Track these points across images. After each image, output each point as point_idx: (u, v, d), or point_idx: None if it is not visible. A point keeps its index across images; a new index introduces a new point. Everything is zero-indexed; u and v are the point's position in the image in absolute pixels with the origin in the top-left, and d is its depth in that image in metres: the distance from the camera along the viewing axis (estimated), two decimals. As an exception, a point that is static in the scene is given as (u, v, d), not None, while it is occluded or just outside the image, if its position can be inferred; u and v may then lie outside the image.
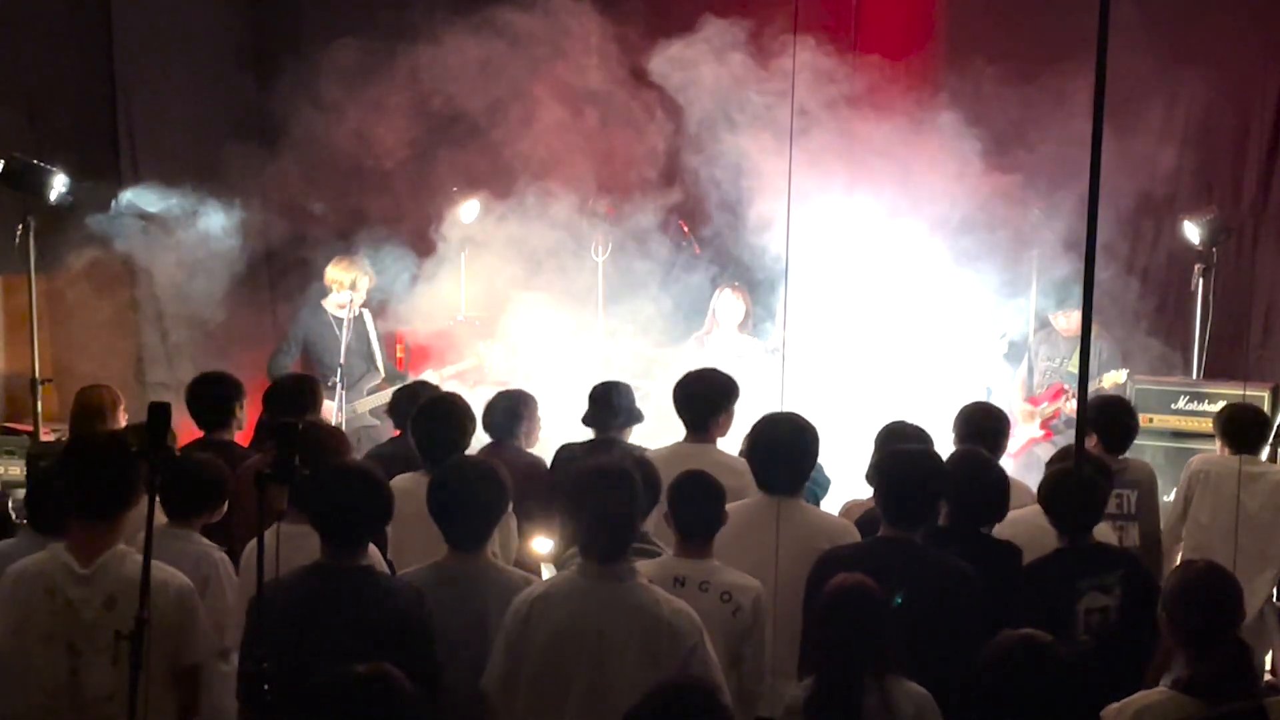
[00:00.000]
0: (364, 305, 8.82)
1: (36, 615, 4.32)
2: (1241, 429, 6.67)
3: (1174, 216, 9.35)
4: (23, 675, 4.19)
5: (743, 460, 5.65)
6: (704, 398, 5.99)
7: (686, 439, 5.98)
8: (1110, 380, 8.40)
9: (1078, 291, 8.39)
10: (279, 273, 9.72)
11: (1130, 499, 6.17)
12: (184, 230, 9.26)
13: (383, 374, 8.79)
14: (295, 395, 6.46)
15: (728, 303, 8.75)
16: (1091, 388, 8.42)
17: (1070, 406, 8.50)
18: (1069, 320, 8.71)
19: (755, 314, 8.84)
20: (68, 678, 4.30)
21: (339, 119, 9.07)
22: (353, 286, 8.69)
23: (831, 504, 6.17)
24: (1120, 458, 6.31)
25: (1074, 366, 8.67)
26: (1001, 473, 5.37)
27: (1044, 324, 8.93)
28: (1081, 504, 4.97)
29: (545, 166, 9.25)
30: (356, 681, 3.41)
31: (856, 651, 4.04)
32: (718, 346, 8.69)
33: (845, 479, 6.52)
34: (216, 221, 9.25)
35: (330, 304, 8.75)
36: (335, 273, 8.75)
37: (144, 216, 9.15)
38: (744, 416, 6.26)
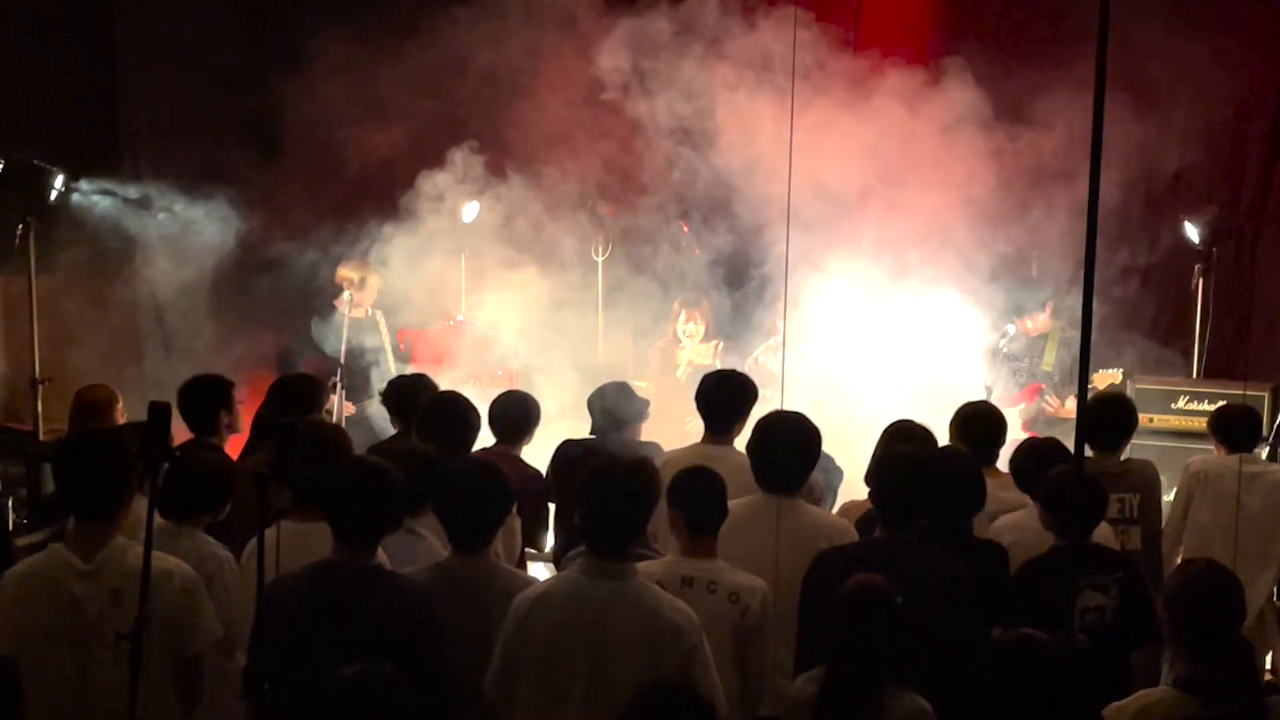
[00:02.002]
0: (376, 306, 8.88)
1: (41, 613, 4.34)
2: (1234, 428, 6.66)
3: (1174, 216, 9.34)
4: (30, 673, 4.20)
5: None
6: (728, 399, 5.96)
7: (706, 440, 5.94)
8: (1106, 380, 8.41)
9: (1071, 297, 8.46)
10: (279, 270, 9.69)
11: (1132, 503, 6.14)
12: (182, 228, 9.27)
13: (394, 374, 8.79)
14: (297, 393, 6.43)
15: (686, 325, 9.17)
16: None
17: (1054, 405, 8.52)
18: (1034, 322, 8.75)
19: (733, 319, 9.10)
20: (75, 674, 4.32)
21: (339, 117, 9.06)
22: (362, 285, 8.75)
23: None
24: (1122, 459, 6.29)
25: (1048, 365, 8.69)
26: (972, 465, 5.34)
27: (1013, 327, 8.88)
28: (1083, 506, 4.96)
29: (545, 166, 9.25)
30: (351, 682, 3.40)
31: (870, 651, 4.04)
32: (686, 360, 9.11)
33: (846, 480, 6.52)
34: (215, 218, 9.25)
35: (342, 303, 8.79)
36: (345, 272, 8.82)
37: (121, 199, 9.17)
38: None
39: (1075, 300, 8.19)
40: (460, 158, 9.00)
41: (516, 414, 6.32)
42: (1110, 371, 8.48)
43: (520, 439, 6.31)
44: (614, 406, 6.38)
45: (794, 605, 4.70)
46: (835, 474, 6.23)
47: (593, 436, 6.40)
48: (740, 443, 5.99)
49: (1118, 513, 5.97)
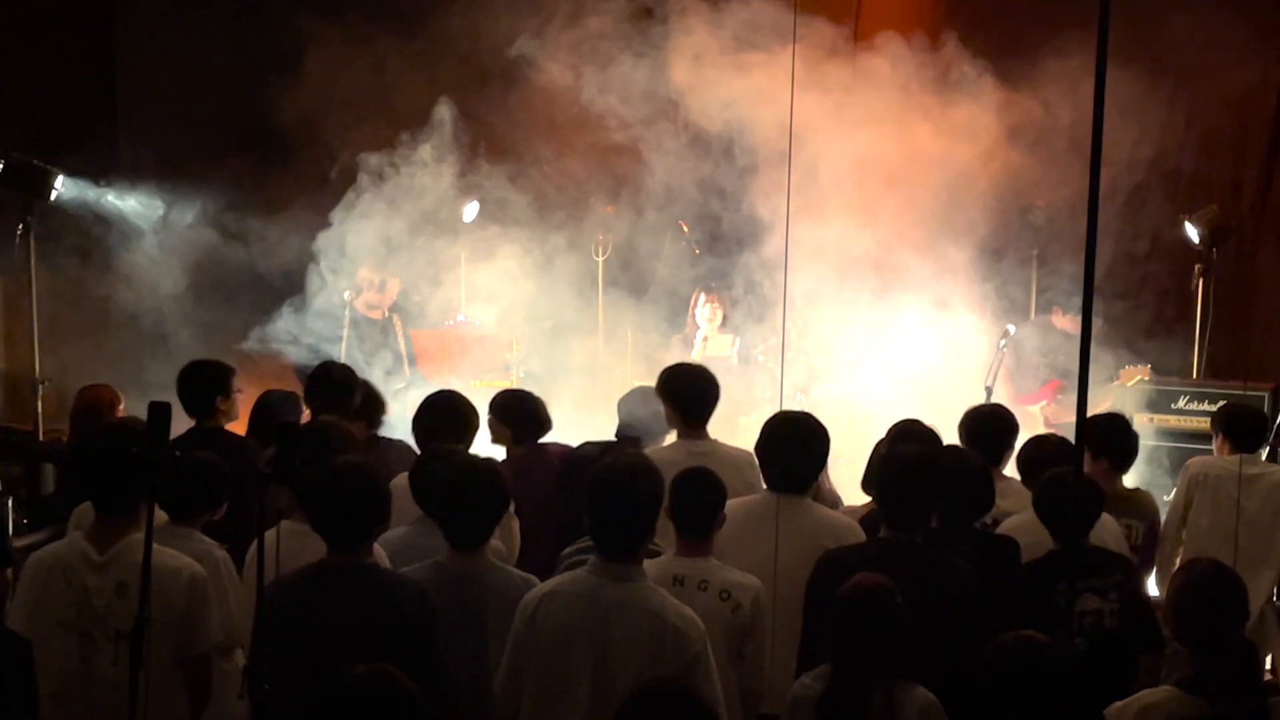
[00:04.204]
0: (394, 309, 8.84)
1: (53, 601, 4.40)
2: (1241, 426, 6.66)
3: (1174, 216, 9.34)
4: (40, 658, 4.23)
5: (749, 452, 5.66)
6: (700, 392, 5.95)
7: (688, 437, 5.91)
8: (1134, 375, 8.42)
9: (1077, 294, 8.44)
10: (279, 268, 9.68)
11: (1139, 529, 6.12)
12: (182, 227, 9.25)
13: (409, 378, 8.76)
14: (339, 386, 6.40)
15: (704, 308, 9.17)
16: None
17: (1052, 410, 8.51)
18: (1068, 320, 8.73)
19: (742, 313, 9.02)
20: (79, 664, 4.37)
21: (339, 115, 9.03)
22: (381, 288, 8.72)
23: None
24: (1129, 487, 6.24)
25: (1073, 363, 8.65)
26: (979, 464, 5.35)
27: (1040, 318, 8.87)
28: (1079, 508, 4.95)
29: (546, 165, 9.24)
30: (358, 681, 3.40)
31: (872, 651, 4.05)
32: (699, 347, 9.08)
33: (838, 482, 6.50)
34: (215, 217, 9.23)
35: (361, 304, 8.74)
36: (365, 273, 8.76)
37: (121, 198, 9.16)
38: (725, 410, 6.20)
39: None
40: (444, 116, 8.92)
41: (528, 409, 6.29)
42: (1138, 367, 8.47)
43: (538, 433, 6.28)
44: (645, 414, 6.24)
45: (800, 604, 4.70)
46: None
47: (609, 440, 6.24)
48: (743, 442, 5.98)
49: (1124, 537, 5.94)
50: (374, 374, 8.54)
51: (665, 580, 4.44)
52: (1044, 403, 8.53)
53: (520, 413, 6.17)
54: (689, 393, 5.97)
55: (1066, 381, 8.60)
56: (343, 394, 6.35)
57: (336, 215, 8.69)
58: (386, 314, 8.86)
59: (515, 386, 8.13)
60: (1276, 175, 9.88)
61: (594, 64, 8.66)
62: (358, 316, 8.70)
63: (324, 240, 8.68)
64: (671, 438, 6.04)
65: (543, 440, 6.24)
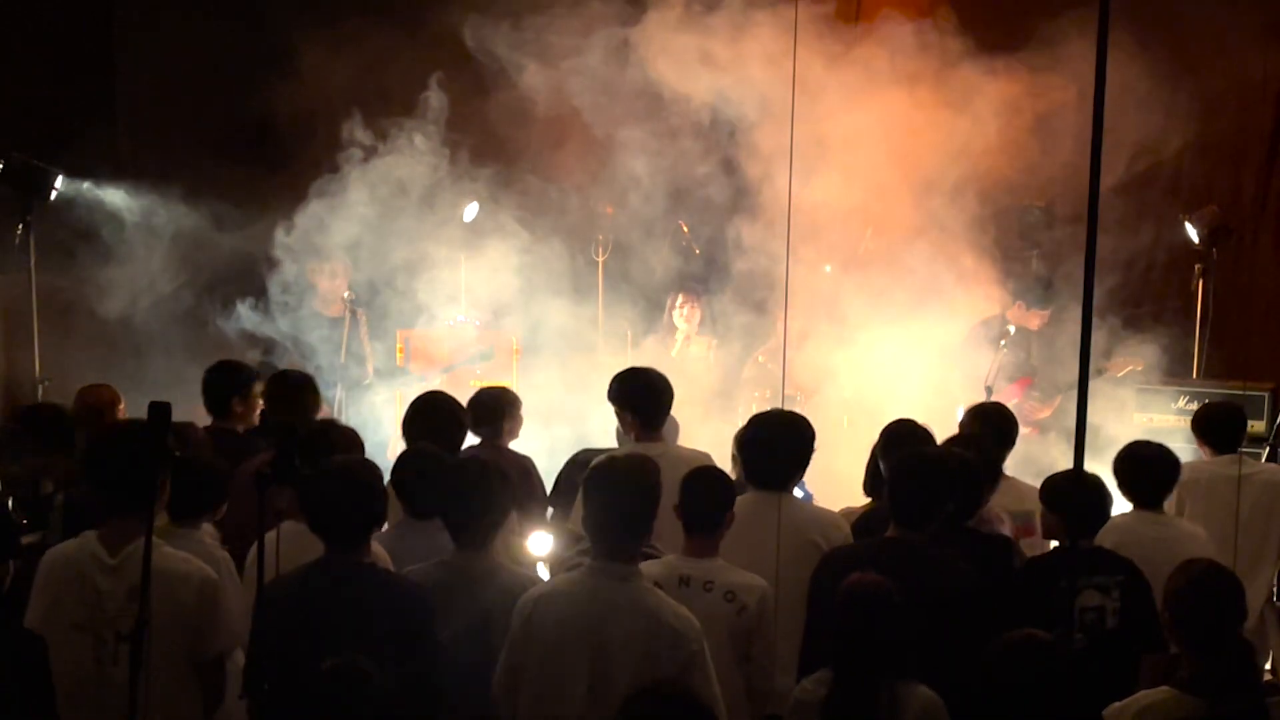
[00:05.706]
0: (354, 304, 8.75)
1: (67, 603, 4.42)
2: (1217, 428, 6.64)
3: (1174, 216, 9.34)
4: (54, 659, 4.23)
5: (704, 453, 5.67)
6: (659, 397, 5.94)
7: (645, 440, 5.87)
8: (1125, 366, 8.40)
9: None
10: (278, 268, 9.69)
11: None
12: (181, 227, 9.25)
13: (371, 374, 8.75)
14: (297, 393, 6.42)
15: (682, 309, 9.20)
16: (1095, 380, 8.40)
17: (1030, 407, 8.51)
18: (1040, 317, 8.72)
19: (744, 313, 9.02)
20: (93, 666, 4.39)
21: (337, 117, 9.03)
22: (332, 277, 8.64)
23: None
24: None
25: (1034, 359, 8.68)
26: (967, 464, 5.34)
27: (1014, 326, 8.84)
28: (1084, 507, 4.96)
29: (545, 165, 9.24)
30: (324, 676, 3.41)
31: (872, 650, 4.05)
32: (679, 348, 9.12)
33: (839, 482, 6.49)
34: (213, 218, 9.23)
35: (319, 304, 8.70)
36: (317, 270, 8.69)
37: (120, 199, 9.15)
38: (712, 413, 6.13)
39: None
40: (435, 103, 8.84)
41: (491, 406, 6.32)
42: (1129, 357, 8.47)
43: (498, 431, 6.30)
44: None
45: (792, 601, 4.69)
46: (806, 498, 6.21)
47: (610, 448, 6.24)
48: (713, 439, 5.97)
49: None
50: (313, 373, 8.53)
51: (671, 581, 4.45)
52: (1015, 400, 8.52)
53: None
54: (648, 397, 5.94)
55: (1036, 378, 8.61)
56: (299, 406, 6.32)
57: (326, 209, 8.66)
58: (345, 308, 8.63)
59: (511, 386, 8.13)
60: (1276, 175, 9.88)
61: (591, 61, 8.66)
62: (319, 316, 8.61)
63: (303, 235, 8.66)
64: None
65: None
